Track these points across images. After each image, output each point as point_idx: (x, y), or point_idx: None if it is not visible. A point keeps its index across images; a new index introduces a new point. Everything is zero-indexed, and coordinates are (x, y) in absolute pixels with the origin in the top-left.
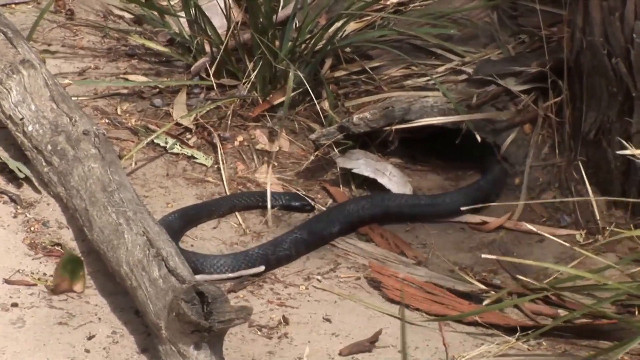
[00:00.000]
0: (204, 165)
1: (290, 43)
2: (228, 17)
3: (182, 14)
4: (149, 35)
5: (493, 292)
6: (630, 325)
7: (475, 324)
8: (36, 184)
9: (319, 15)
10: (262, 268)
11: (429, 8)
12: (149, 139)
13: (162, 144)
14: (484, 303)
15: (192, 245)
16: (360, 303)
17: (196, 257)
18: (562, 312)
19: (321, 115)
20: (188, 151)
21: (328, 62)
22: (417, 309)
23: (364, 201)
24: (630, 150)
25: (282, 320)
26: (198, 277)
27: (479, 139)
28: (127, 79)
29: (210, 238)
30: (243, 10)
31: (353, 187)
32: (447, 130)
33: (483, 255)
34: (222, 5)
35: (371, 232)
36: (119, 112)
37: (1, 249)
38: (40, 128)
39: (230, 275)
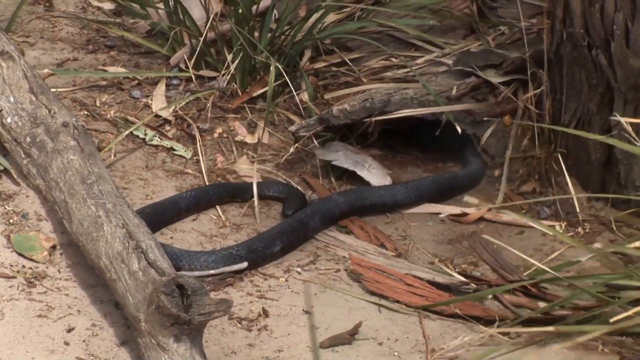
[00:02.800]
0: (183, 157)
1: (269, 35)
2: (207, 9)
3: (161, 5)
4: (128, 26)
5: (473, 284)
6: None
7: (455, 316)
8: (15, 176)
9: (298, 7)
10: (244, 265)
11: None
12: (128, 131)
13: (141, 136)
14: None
15: (171, 238)
16: (340, 295)
17: None
18: (542, 304)
19: (300, 107)
20: (167, 143)
21: (307, 54)
22: (397, 301)
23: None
24: (619, 118)
25: (261, 313)
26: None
27: (459, 130)
28: (106, 71)
29: (190, 230)
30: (222, 2)
31: (333, 179)
32: (426, 121)
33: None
34: None
35: (351, 224)
36: (97, 103)
37: None
38: (19, 120)
39: (212, 272)
